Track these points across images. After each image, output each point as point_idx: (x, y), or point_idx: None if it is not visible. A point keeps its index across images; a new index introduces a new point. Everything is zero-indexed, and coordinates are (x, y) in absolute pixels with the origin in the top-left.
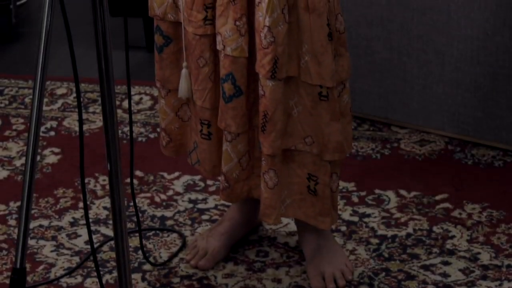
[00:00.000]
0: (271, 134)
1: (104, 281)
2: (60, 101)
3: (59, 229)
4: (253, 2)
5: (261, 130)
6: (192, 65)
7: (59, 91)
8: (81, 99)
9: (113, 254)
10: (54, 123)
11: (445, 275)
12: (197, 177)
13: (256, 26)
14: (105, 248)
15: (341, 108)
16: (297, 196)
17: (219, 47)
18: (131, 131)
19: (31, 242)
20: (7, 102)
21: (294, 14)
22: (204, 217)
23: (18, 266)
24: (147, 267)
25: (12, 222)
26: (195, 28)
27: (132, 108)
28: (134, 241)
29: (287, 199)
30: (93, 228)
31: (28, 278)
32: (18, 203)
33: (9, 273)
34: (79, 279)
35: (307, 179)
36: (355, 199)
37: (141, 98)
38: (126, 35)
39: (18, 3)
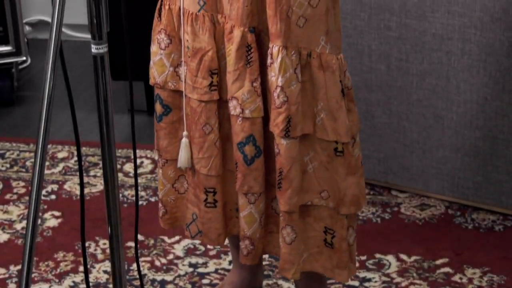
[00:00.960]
0: (287, 191)
1: None
2: (61, 165)
3: None
4: (264, 63)
5: (277, 188)
6: (197, 133)
7: (60, 155)
8: (82, 163)
9: None
10: (55, 187)
11: None
12: (198, 241)
13: (268, 86)
14: None
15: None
16: (314, 249)
17: (235, 111)
18: (136, 190)
19: None
20: (8, 165)
21: (306, 73)
22: (205, 281)
23: None
24: None
25: (12, 286)
26: (200, 95)
27: (133, 172)
28: None
29: (305, 253)
30: None
31: None
32: (18, 267)
33: None
34: None
35: (323, 233)
36: (356, 263)
37: (142, 162)
38: (131, 99)
39: (20, 66)
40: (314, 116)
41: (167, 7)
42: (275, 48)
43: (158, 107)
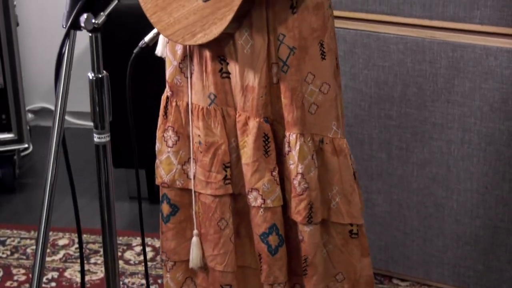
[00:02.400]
0: (313, 277)
1: None
2: (62, 252)
3: None
4: (278, 152)
5: (303, 275)
6: (211, 230)
7: (61, 242)
8: (83, 250)
9: None
10: (55, 274)
11: None
12: None
13: (287, 174)
14: None
15: None
16: None
17: (256, 203)
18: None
19: None
20: (8, 252)
21: (319, 159)
22: None
23: None
24: None
25: None
26: (215, 189)
27: (134, 259)
28: None
29: None
30: None
31: None
32: None
33: None
34: None
35: None
36: None
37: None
38: (138, 187)
39: (22, 153)
40: (328, 201)
41: (173, 104)
42: (292, 136)
43: (165, 208)
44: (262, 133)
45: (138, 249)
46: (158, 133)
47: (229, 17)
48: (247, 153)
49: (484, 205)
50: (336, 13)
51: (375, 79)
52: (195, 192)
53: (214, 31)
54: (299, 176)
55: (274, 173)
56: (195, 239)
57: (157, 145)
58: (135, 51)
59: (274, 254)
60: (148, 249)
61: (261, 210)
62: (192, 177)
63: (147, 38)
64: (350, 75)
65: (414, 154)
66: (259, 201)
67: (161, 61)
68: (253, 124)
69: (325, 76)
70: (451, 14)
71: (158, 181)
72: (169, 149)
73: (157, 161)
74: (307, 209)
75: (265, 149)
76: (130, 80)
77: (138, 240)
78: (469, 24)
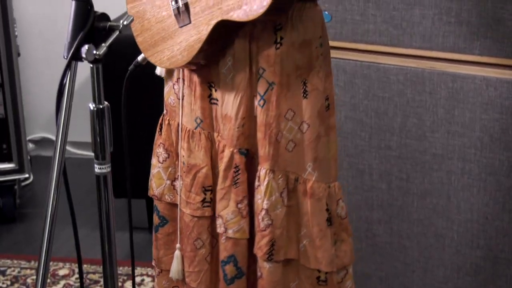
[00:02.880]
0: None
1: None
2: (62, 282)
3: None
4: (253, 185)
5: None
6: (188, 247)
7: (61, 272)
8: (83, 280)
9: None
10: None
11: None
12: None
13: (255, 208)
14: None
15: None
16: None
17: (219, 230)
18: None
19: None
20: (9, 282)
21: (294, 198)
22: None
23: None
24: None
25: None
26: (193, 210)
27: None
28: None
29: None
30: None
31: None
32: None
33: None
34: None
35: None
36: None
37: (142, 280)
38: (130, 214)
39: (22, 183)
40: (298, 241)
41: (167, 122)
42: (262, 171)
43: (155, 218)
44: (234, 164)
45: (139, 279)
46: (154, 148)
47: (198, 45)
48: (219, 180)
49: (485, 236)
50: (336, 44)
51: (375, 109)
52: (180, 209)
53: (185, 57)
54: (263, 212)
55: (240, 205)
56: (176, 253)
57: (152, 158)
58: (129, 68)
59: (229, 284)
60: (148, 279)
61: (223, 238)
62: (179, 194)
63: (140, 58)
64: (350, 106)
65: (414, 184)
66: (222, 228)
67: (161, 90)
68: (226, 153)
69: (305, 115)
70: (451, 45)
71: (150, 192)
72: (160, 164)
73: (150, 173)
74: (268, 245)
75: (234, 179)
76: (126, 97)
77: (139, 270)
78: (469, 55)
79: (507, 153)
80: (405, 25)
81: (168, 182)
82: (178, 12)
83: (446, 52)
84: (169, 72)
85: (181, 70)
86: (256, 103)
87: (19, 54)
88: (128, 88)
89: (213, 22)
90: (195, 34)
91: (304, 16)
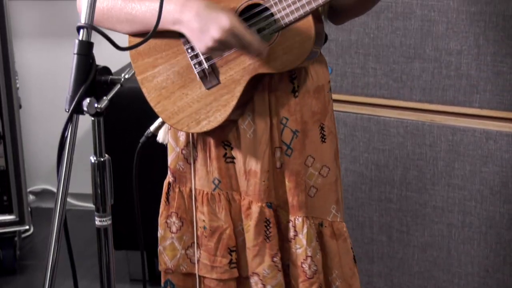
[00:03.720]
0: None
1: None
2: None
3: None
4: (281, 238)
5: None
6: None
7: None
8: None
9: None
10: None
11: None
12: None
13: (293, 259)
14: None
15: None
16: None
17: (256, 287)
18: None
19: None
20: None
21: (319, 242)
22: None
23: None
24: None
25: None
26: (220, 274)
27: None
28: None
29: None
30: None
31: None
32: None
33: None
34: None
35: None
36: None
37: None
38: (143, 271)
39: (23, 235)
40: (329, 286)
41: (176, 190)
42: (298, 220)
43: None
44: (264, 218)
45: None
46: (161, 220)
47: (233, 103)
48: (249, 237)
49: None
50: (336, 96)
51: (375, 162)
52: (199, 276)
53: (219, 118)
54: (309, 260)
55: (275, 259)
56: None
57: (160, 231)
58: (141, 140)
59: None
60: None
61: None
62: (195, 261)
63: (152, 128)
64: (350, 158)
65: (415, 237)
66: (260, 286)
67: (162, 147)
68: (255, 208)
69: (325, 159)
70: (450, 98)
71: (161, 267)
72: (173, 235)
73: (160, 247)
74: None
75: (266, 234)
76: (137, 170)
77: None
78: (469, 108)
79: (507, 206)
80: (405, 78)
81: (183, 251)
82: (204, 74)
83: (446, 105)
84: (176, 138)
85: (191, 134)
86: (279, 154)
87: (20, 106)
88: (139, 158)
89: (247, 77)
90: (226, 93)
91: (314, 62)
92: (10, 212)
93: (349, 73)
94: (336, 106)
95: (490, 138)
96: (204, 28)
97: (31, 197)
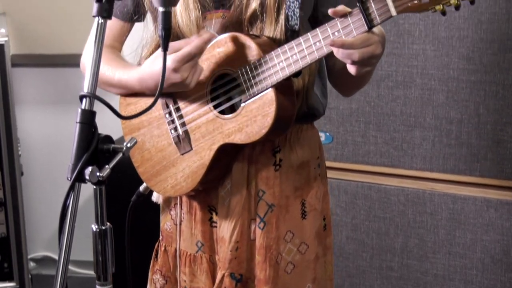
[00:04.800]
0: None
1: None
2: None
3: None
4: None
5: None
6: None
7: None
8: None
9: None
10: None
11: None
12: None
13: None
14: None
15: None
16: None
17: None
18: None
19: None
20: None
21: None
22: None
23: None
24: None
25: None
26: None
27: None
28: None
29: None
30: None
31: None
32: None
33: None
34: None
35: None
36: None
37: None
38: None
39: None
40: None
41: (163, 248)
42: None
43: None
44: (223, 287)
45: None
46: (150, 274)
47: (202, 171)
48: None
49: None
50: (337, 165)
51: (376, 230)
52: None
53: (190, 184)
54: None
55: None
56: None
57: (148, 285)
58: (132, 199)
59: None
60: None
61: None
62: None
63: (141, 188)
64: (351, 226)
65: None
66: None
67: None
68: (219, 275)
69: (304, 236)
70: (451, 167)
71: None
72: None
73: None
74: None
75: None
76: (129, 227)
77: None
78: (470, 177)
79: (508, 275)
80: (405, 146)
81: None
82: (178, 140)
83: (446, 174)
84: (167, 199)
85: (178, 196)
86: (254, 226)
87: (22, 173)
88: (131, 218)
89: (215, 146)
90: (197, 160)
91: (301, 138)
92: (10, 279)
93: (350, 141)
94: (337, 174)
95: (491, 207)
96: (155, 78)
97: (31, 264)
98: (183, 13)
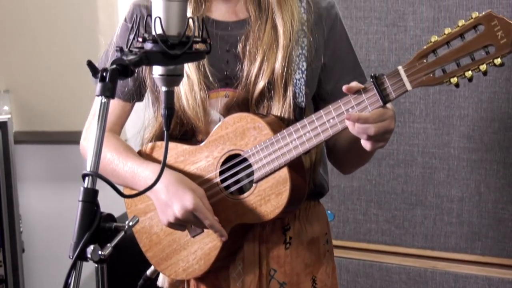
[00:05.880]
0: None
1: None
2: None
3: None
4: None
5: None
6: None
7: None
8: None
9: None
10: None
11: None
12: None
13: None
14: None
15: None
16: None
17: None
18: None
19: None
20: None
21: None
22: None
23: None
24: None
25: None
26: None
27: None
28: None
29: None
30: None
31: None
32: None
33: None
34: None
35: None
36: None
37: None
38: None
39: None
40: None
41: None
42: None
43: None
44: None
45: None
46: None
47: (215, 252)
48: None
49: None
50: (338, 243)
51: None
52: None
53: (202, 266)
54: None
55: None
56: None
57: None
58: (139, 283)
59: None
60: None
61: None
62: None
63: (149, 272)
64: None
65: None
66: None
67: None
68: None
69: None
70: (452, 245)
71: None
72: None
73: None
74: None
75: None
76: None
77: None
78: (471, 255)
79: None
80: (407, 224)
81: None
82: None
83: (448, 252)
84: (173, 283)
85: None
86: None
87: (23, 250)
88: None
89: (228, 227)
90: (209, 242)
91: (310, 215)
92: None
93: (351, 220)
94: (339, 252)
95: (492, 285)
96: (169, 203)
97: None
98: (188, 95)
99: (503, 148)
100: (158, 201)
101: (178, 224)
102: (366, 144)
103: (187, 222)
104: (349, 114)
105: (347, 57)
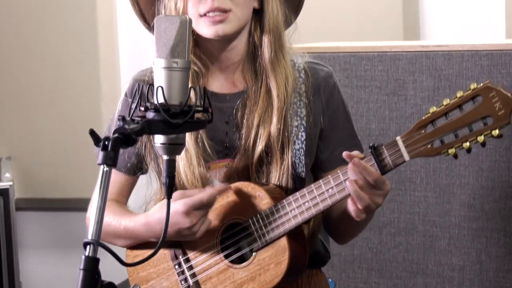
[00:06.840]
0: None
1: None
2: None
3: None
4: None
5: None
6: None
7: None
8: None
9: None
10: None
11: None
12: None
13: None
14: None
15: None
16: None
17: None
18: None
19: None
20: None
21: None
22: None
23: None
24: None
25: None
26: None
27: None
28: None
29: None
30: None
31: None
32: None
33: None
34: None
35: None
36: None
37: None
38: None
39: None
40: None
41: None
42: None
43: None
44: None
45: None
46: None
47: None
48: None
49: None
50: None
51: None
52: None
53: None
54: None
55: None
56: None
57: None
58: None
59: None
60: None
61: None
62: None
63: None
64: None
65: None
66: None
67: None
68: None
69: None
70: None
71: None
72: None
73: None
74: None
75: None
76: None
77: None
78: None
79: None
80: None
81: None
82: None
83: None
84: None
85: None
86: None
87: None
88: None
89: None
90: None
91: (312, 283)
92: None
93: None
94: None
95: None
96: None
97: None
98: (186, 170)
99: (504, 217)
100: (158, 235)
101: (188, 230)
102: (353, 210)
103: (196, 219)
104: (353, 161)
105: (344, 126)
